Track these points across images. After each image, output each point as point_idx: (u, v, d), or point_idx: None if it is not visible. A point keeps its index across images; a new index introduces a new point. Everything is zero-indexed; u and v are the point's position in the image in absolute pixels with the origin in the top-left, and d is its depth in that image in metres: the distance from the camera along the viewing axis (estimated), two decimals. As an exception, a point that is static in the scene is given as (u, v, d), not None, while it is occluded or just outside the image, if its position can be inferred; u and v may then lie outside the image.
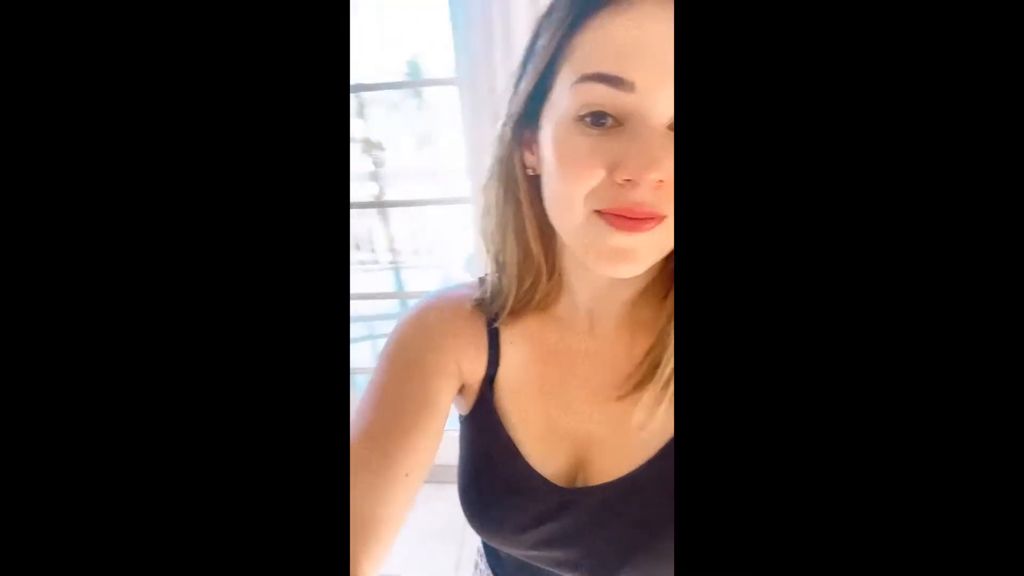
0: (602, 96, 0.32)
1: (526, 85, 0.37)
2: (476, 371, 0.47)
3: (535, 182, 0.40)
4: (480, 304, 0.47)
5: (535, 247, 0.43)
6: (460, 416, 0.51)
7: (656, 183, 0.32)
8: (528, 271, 0.44)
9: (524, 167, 0.40)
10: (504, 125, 0.40)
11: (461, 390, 0.48)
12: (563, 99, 0.34)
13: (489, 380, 0.48)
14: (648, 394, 0.42)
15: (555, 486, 0.46)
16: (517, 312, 0.46)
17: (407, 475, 0.40)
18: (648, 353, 0.43)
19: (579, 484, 0.46)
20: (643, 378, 0.43)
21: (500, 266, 0.45)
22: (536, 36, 0.37)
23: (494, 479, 0.47)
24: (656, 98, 0.31)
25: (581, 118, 0.33)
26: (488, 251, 0.45)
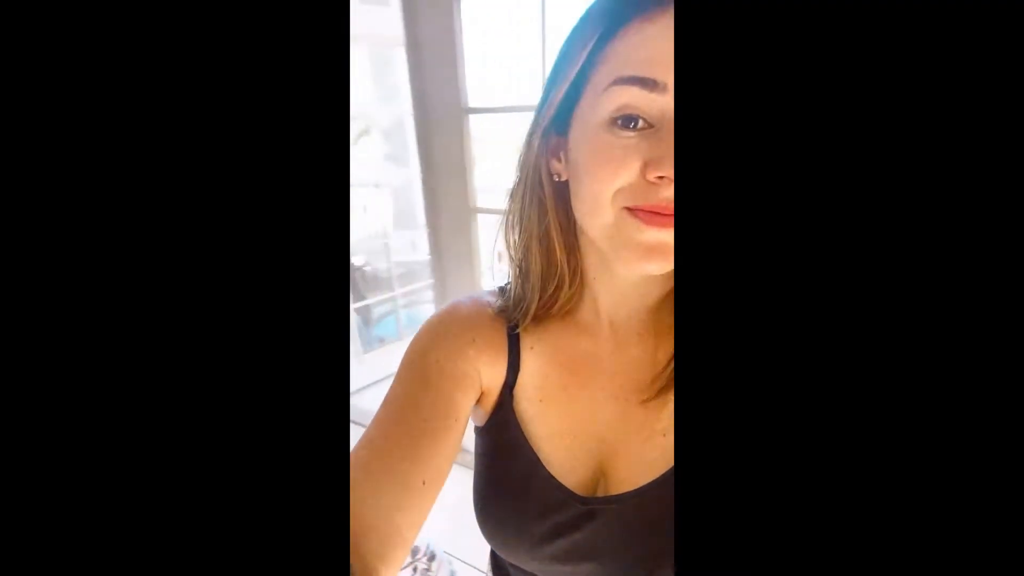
0: (635, 98, 0.33)
1: (556, 93, 0.38)
2: (496, 378, 0.47)
3: (562, 188, 0.42)
4: (502, 311, 0.48)
5: (559, 253, 0.43)
6: (476, 428, 0.51)
7: None
8: (551, 277, 0.45)
9: (551, 174, 0.42)
10: (532, 134, 0.41)
11: (480, 398, 0.48)
12: (595, 104, 0.35)
13: (509, 386, 0.47)
14: (673, 399, 0.42)
15: (577, 495, 0.44)
16: (538, 318, 0.47)
17: (424, 483, 0.40)
18: (671, 358, 0.43)
19: (600, 493, 0.45)
20: (667, 383, 0.43)
21: (523, 273, 0.46)
22: (568, 46, 0.37)
23: (513, 488, 0.46)
24: None
25: (613, 120, 0.34)
26: (512, 258, 0.46)
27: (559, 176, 0.41)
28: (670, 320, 0.44)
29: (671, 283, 0.43)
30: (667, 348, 0.44)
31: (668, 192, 0.33)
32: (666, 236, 0.34)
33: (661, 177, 0.33)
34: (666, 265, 0.36)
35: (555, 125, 0.40)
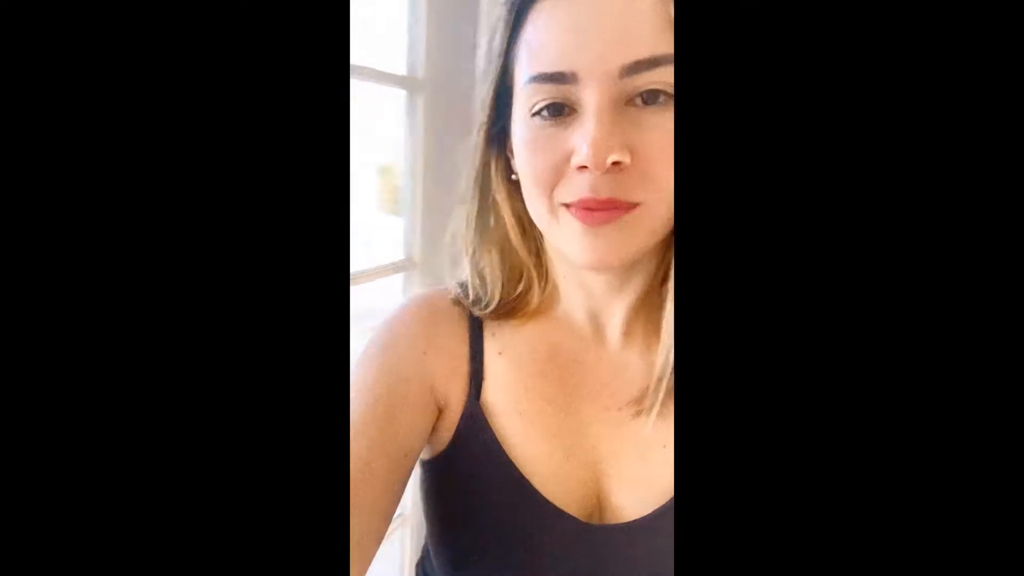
0: (550, 92, 0.32)
1: (489, 89, 0.37)
2: (456, 389, 0.41)
3: (518, 187, 0.38)
4: (461, 305, 0.43)
5: (522, 254, 0.40)
6: (436, 453, 0.43)
7: (613, 167, 0.31)
8: (513, 280, 0.41)
9: (510, 172, 0.39)
10: (477, 133, 0.38)
11: (439, 420, 0.41)
12: (519, 98, 0.34)
13: (474, 399, 0.41)
14: (672, 409, 0.38)
15: (581, 522, 0.39)
16: (506, 319, 0.42)
17: (359, 541, 0.33)
18: (666, 364, 0.38)
19: (596, 517, 0.40)
20: (666, 393, 0.38)
21: (482, 278, 0.41)
22: (490, 39, 0.36)
23: (497, 514, 0.40)
24: (602, 80, 0.31)
25: (538, 112, 0.33)
26: (470, 263, 0.42)
27: (516, 175, 0.38)
28: (658, 318, 0.38)
29: (651, 279, 0.39)
30: (661, 351, 0.38)
31: (593, 182, 0.31)
32: (608, 232, 0.32)
33: (583, 167, 0.31)
34: (611, 263, 0.34)
35: (500, 120, 0.37)
